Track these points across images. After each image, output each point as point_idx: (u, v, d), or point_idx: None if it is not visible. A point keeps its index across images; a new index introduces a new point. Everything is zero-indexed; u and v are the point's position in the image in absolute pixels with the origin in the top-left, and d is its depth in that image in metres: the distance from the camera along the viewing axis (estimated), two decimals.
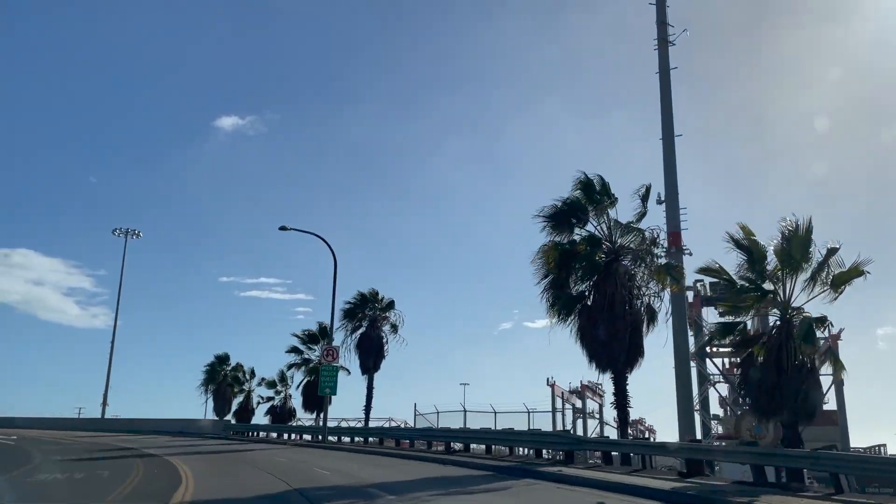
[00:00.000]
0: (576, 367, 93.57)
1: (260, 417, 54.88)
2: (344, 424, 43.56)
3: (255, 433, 48.93)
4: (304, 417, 48.13)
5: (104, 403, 70.12)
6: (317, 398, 42.34)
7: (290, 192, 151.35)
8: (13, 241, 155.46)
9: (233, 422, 54.99)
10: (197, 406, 65.51)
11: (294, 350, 47.38)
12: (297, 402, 48.61)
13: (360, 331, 40.14)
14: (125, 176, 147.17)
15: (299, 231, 36.89)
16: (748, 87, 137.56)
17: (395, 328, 40.26)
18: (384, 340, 39.95)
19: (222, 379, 58.26)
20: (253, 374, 56.70)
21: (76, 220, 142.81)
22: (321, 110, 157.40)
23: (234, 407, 57.44)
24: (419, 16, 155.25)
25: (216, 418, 57.04)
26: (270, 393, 51.36)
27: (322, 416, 40.91)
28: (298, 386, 47.01)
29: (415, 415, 38.21)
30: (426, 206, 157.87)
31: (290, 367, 46.72)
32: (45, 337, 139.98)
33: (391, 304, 40.45)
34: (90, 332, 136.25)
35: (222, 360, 59.76)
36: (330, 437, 37.03)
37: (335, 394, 35.76)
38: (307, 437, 41.87)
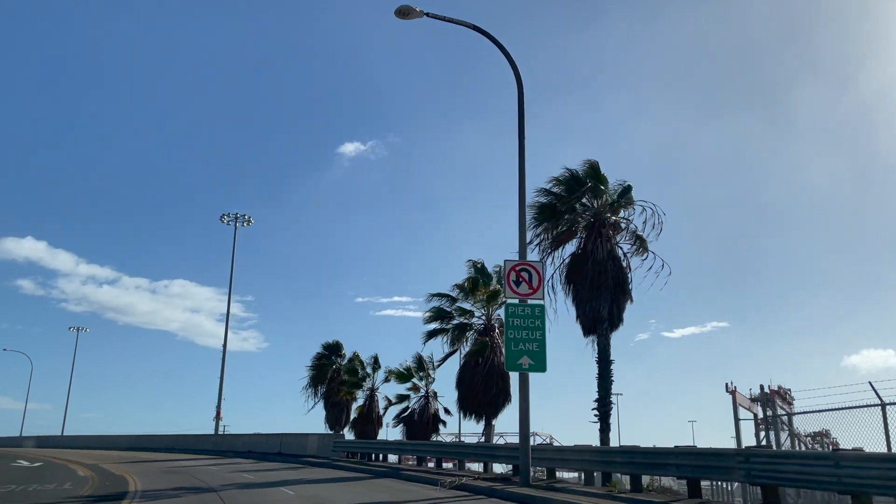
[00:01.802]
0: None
1: (390, 429, 36.41)
2: (539, 440, 23.31)
3: (379, 455, 29.69)
4: (464, 433, 28.29)
5: (217, 417, 57.57)
6: (480, 393, 22.74)
7: (413, 212, 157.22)
8: (172, 273, 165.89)
9: (349, 436, 36.25)
10: (311, 417, 49.47)
11: (436, 316, 27.66)
12: (448, 401, 29.07)
13: (577, 247, 19.72)
14: (260, 207, 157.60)
15: (453, 22, 17.57)
16: None
17: (640, 242, 19.68)
18: (624, 264, 19.38)
19: (333, 376, 39.96)
20: (377, 364, 37.82)
21: (221, 251, 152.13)
22: (439, 129, 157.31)
23: (352, 414, 39.11)
24: (522, 25, 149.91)
25: (329, 431, 38.86)
26: (403, 389, 32.00)
27: (485, 427, 21.14)
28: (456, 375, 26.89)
29: None
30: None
31: (431, 336, 26.59)
32: (202, 361, 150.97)
33: (627, 193, 19.84)
34: (241, 354, 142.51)
35: (333, 349, 41.47)
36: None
37: (543, 368, 15.51)
38: (474, 465, 22.00)
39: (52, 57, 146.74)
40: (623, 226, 20.03)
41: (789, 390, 64.98)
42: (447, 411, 31.24)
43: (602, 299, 18.59)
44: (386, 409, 37.57)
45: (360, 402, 38.28)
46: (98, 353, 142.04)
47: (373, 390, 37.91)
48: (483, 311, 25.56)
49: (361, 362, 38.37)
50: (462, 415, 24.02)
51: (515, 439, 20.23)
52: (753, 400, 58.88)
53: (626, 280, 19.28)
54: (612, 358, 18.79)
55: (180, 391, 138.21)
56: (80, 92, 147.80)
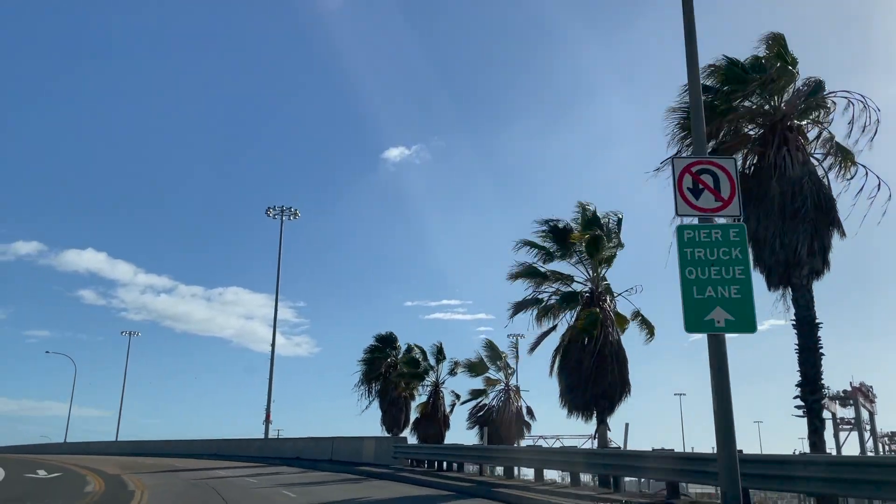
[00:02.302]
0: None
1: (459, 431, 30.83)
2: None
3: (452, 464, 23.76)
4: (566, 434, 23.12)
5: (267, 420, 53.09)
6: (591, 382, 16.80)
7: (458, 214, 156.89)
8: (226, 281, 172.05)
9: (411, 439, 30.59)
10: (365, 419, 44.57)
11: (527, 274, 21.31)
12: (534, 396, 23.06)
13: (749, 163, 13.45)
14: (308, 214, 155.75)
15: None
16: None
17: (844, 154, 13.36)
18: (826, 182, 13.10)
19: (388, 371, 34.48)
20: (440, 354, 32.13)
21: (273, 257, 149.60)
22: (483, 132, 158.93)
23: (412, 415, 33.63)
24: (564, 27, 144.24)
25: (385, 434, 33.40)
26: (478, 382, 26.16)
27: (598, 427, 15.15)
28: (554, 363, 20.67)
29: None
30: None
31: (520, 308, 20.18)
32: (256, 366, 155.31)
33: (820, 90, 13.49)
34: (294, 359, 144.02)
35: (386, 341, 35.84)
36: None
37: (751, 325, 9.43)
38: (586, 476, 15.88)
39: (105, 66, 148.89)
40: (815, 133, 13.73)
41: (871, 388, 57.44)
42: (530, 412, 25.34)
43: (799, 233, 12.42)
44: (452, 407, 31.92)
45: (422, 398, 32.70)
46: (157, 361, 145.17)
47: (437, 385, 32.20)
48: (589, 271, 19.45)
49: (423, 352, 32.67)
50: (567, 411, 18.10)
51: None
52: (832, 398, 52.21)
53: (832, 205, 13.03)
54: (818, 321, 12.57)
55: (236, 397, 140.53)
56: (133, 106, 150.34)
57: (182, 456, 49.62)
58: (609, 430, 17.98)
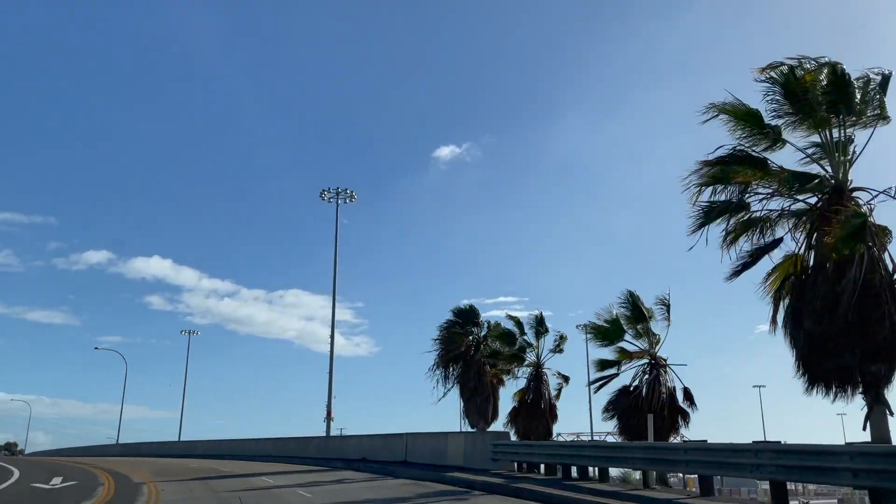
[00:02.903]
0: None
1: (571, 420, 23.55)
2: None
3: (587, 469, 16.44)
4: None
5: (328, 418, 47.91)
6: (856, 334, 9.48)
7: (511, 210, 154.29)
8: (286, 283, 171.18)
9: (512, 436, 23.53)
10: (440, 412, 37.85)
11: (740, 167, 13.78)
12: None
13: None
14: (362, 215, 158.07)
15: None
16: None
17: None
18: None
19: (470, 351, 27.48)
20: (541, 326, 25.25)
21: (332, 257, 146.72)
22: (532, 126, 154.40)
23: (504, 404, 26.82)
24: (610, 14, 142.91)
25: (470, 430, 26.58)
26: (607, 353, 19.07)
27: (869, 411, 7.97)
28: None
29: None
30: (646, 209, 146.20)
31: (709, 218, 12.39)
32: (319, 367, 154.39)
33: None
34: (354, 360, 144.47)
35: (466, 315, 28.58)
36: None
37: None
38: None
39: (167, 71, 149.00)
40: None
41: None
42: (688, 395, 17.99)
43: None
44: (559, 392, 24.95)
45: (521, 383, 25.74)
46: (222, 363, 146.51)
47: (538, 366, 25.18)
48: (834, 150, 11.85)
49: (519, 324, 25.62)
50: (809, 382, 10.85)
51: None
52: None
53: None
54: None
55: (298, 398, 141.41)
56: (192, 113, 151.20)
57: (235, 457, 44.16)
58: (891, 412, 10.63)
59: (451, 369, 28.66)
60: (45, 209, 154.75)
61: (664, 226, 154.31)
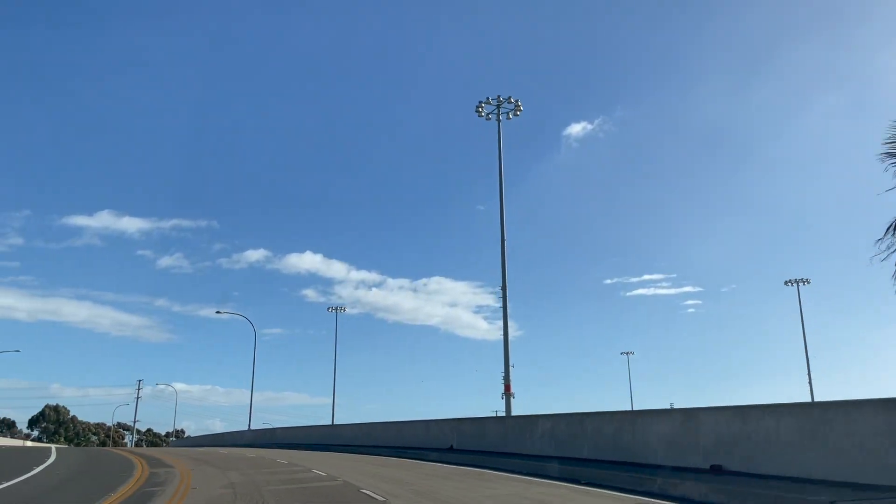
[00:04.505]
0: None
1: None
2: None
3: None
4: None
5: (506, 393, 39.74)
6: None
7: (650, 185, 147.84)
8: (429, 271, 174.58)
9: None
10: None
11: None
12: None
13: None
14: (493, 199, 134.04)
15: None
16: None
17: None
18: None
19: None
20: None
21: (472, 244, 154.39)
22: (667, 96, 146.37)
23: None
24: None
25: None
26: None
27: None
28: None
29: None
30: (799, 174, 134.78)
31: None
32: (464, 351, 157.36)
33: None
34: (499, 343, 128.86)
35: None
36: None
37: None
38: None
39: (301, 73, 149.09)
40: None
41: None
42: None
43: None
44: None
45: None
46: (374, 351, 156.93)
47: None
48: None
49: None
50: None
51: None
52: None
53: None
54: None
55: (449, 381, 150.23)
56: (328, 112, 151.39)
57: (364, 449, 32.74)
58: None
59: None
60: (209, 214, 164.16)
61: (821, 192, 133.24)
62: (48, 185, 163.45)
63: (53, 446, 55.28)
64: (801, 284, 76.93)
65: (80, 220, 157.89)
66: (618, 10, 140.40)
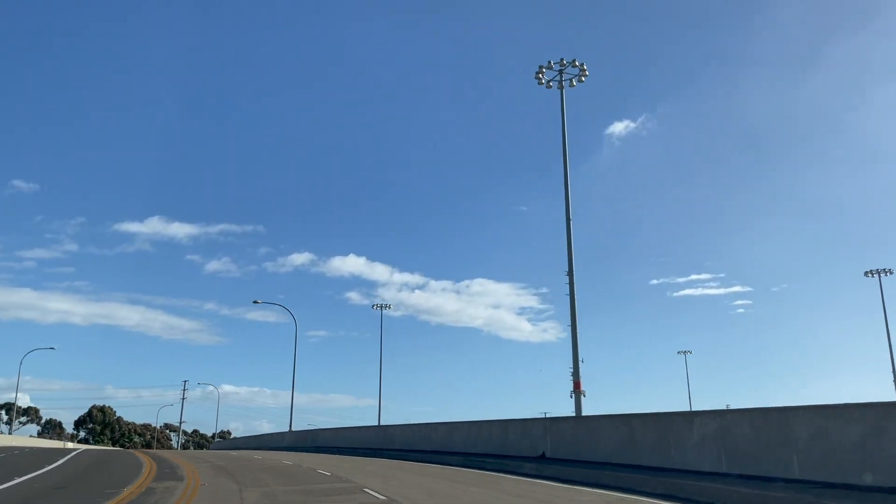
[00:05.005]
0: None
1: None
2: None
3: None
4: None
5: (576, 390, 34.91)
6: None
7: (695, 183, 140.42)
8: (471, 273, 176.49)
9: None
10: None
11: None
12: None
13: None
14: (536, 202, 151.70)
15: None
16: None
17: None
18: None
19: None
20: None
21: (515, 246, 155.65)
22: (712, 92, 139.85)
23: None
24: None
25: None
26: None
27: None
28: None
29: None
30: (852, 170, 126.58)
31: None
32: (508, 353, 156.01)
33: None
34: (543, 345, 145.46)
35: None
36: None
37: None
38: None
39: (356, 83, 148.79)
40: None
41: None
42: None
43: None
44: None
45: None
46: (418, 352, 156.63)
47: None
48: None
49: None
50: None
51: None
52: None
53: None
54: None
55: (492, 383, 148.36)
56: (371, 120, 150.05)
57: (421, 456, 27.65)
58: None
59: None
60: (255, 219, 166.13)
61: (880, 188, 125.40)
62: (101, 193, 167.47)
63: (82, 447, 52.46)
64: (882, 275, 70.93)
65: (131, 227, 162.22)
66: (657, 4, 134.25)
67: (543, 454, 21.94)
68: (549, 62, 40.53)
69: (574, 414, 35.17)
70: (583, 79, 41.02)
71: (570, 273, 39.14)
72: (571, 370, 37.07)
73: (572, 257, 39.03)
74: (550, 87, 40.99)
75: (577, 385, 36.41)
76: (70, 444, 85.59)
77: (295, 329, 56.05)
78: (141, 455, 34.79)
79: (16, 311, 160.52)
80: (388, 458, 28.88)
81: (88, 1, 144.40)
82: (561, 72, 40.70)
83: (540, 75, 40.94)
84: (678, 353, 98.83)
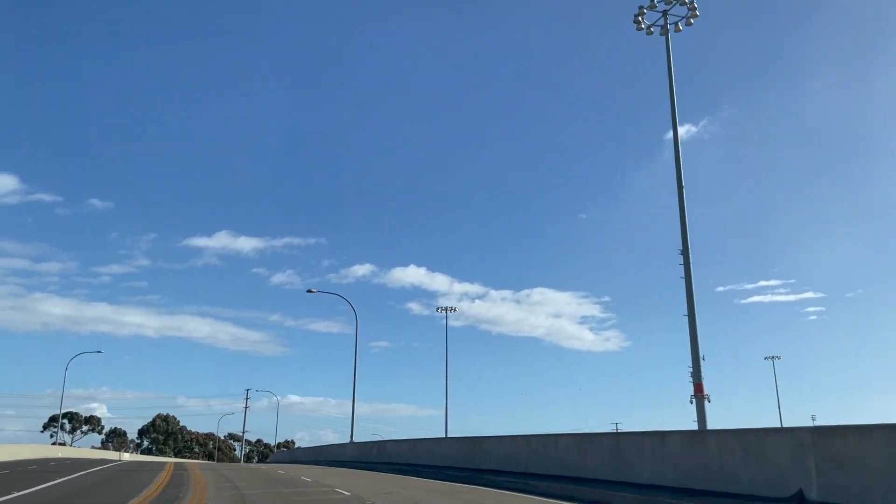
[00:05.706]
0: None
1: None
2: None
3: None
4: None
5: (698, 395, 28.28)
6: None
7: (760, 187, 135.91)
8: (531, 282, 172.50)
9: None
10: None
11: None
12: None
13: None
14: (591, 207, 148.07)
15: None
16: None
17: None
18: None
19: None
20: None
21: (575, 254, 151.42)
22: (776, 93, 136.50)
23: None
24: None
25: None
26: None
27: None
28: None
29: None
30: None
31: None
32: (569, 363, 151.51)
33: None
34: (605, 354, 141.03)
35: None
36: None
37: None
38: None
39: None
40: None
41: None
42: None
43: None
44: None
45: None
46: (479, 362, 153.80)
47: None
48: None
49: None
50: None
51: None
52: None
53: None
54: None
55: (556, 393, 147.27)
56: (428, 139, 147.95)
57: (540, 483, 19.68)
58: None
59: None
60: (318, 231, 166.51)
61: None
62: (171, 209, 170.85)
63: (133, 458, 47.75)
64: None
65: (200, 242, 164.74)
66: (716, 4, 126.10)
67: (801, 493, 12.06)
68: (652, 1, 33.97)
69: (696, 426, 27.96)
70: (691, 22, 34.39)
71: (686, 251, 32.25)
72: (691, 370, 30.07)
73: (686, 232, 32.17)
74: (651, 33, 34.58)
75: (698, 388, 29.32)
76: (126, 456, 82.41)
77: (356, 324, 50.63)
78: (170, 470, 29.92)
79: (93, 324, 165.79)
80: (485, 484, 21.17)
81: (127, 36, 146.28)
82: (665, 14, 34.17)
83: (639, 19, 34.59)
84: (765, 358, 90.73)
